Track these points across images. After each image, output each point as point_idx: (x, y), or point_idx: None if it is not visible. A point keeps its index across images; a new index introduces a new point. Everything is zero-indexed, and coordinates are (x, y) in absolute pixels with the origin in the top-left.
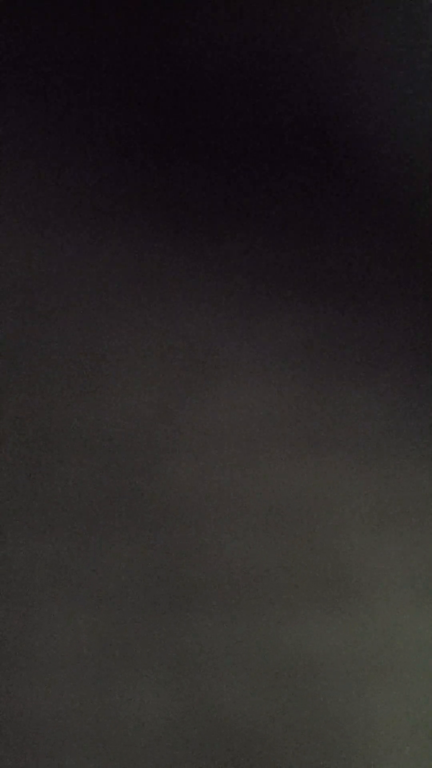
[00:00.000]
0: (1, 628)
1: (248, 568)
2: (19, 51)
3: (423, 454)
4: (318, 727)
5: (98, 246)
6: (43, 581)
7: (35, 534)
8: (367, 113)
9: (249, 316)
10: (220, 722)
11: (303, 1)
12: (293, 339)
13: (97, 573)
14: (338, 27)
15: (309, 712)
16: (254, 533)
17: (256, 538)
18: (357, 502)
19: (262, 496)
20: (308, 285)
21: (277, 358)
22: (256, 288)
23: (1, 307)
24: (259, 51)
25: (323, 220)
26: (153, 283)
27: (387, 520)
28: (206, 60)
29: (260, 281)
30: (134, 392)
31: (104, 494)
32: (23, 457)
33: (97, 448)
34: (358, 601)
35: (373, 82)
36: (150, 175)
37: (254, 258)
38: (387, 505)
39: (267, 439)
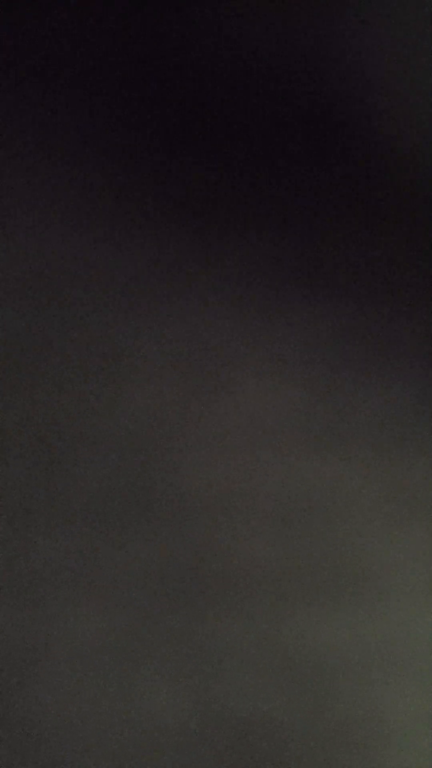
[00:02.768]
0: (13, 624)
1: (259, 564)
2: (19, 50)
3: None
4: (327, 723)
5: (106, 245)
6: (55, 577)
7: (47, 530)
8: (373, 107)
9: (260, 314)
10: (230, 717)
11: None
12: (303, 337)
13: (107, 569)
14: (339, 22)
15: (319, 708)
16: (266, 530)
17: (267, 534)
18: (367, 499)
19: (274, 493)
20: (318, 283)
21: (288, 357)
22: (267, 287)
23: (15, 306)
24: (260, 48)
25: (333, 219)
26: (162, 282)
27: (396, 518)
28: (208, 56)
29: (271, 280)
30: (146, 391)
31: (116, 491)
32: (36, 454)
33: (109, 445)
34: (369, 597)
35: (376, 75)
36: (158, 174)
37: (266, 257)
38: (396, 502)
39: (279, 437)
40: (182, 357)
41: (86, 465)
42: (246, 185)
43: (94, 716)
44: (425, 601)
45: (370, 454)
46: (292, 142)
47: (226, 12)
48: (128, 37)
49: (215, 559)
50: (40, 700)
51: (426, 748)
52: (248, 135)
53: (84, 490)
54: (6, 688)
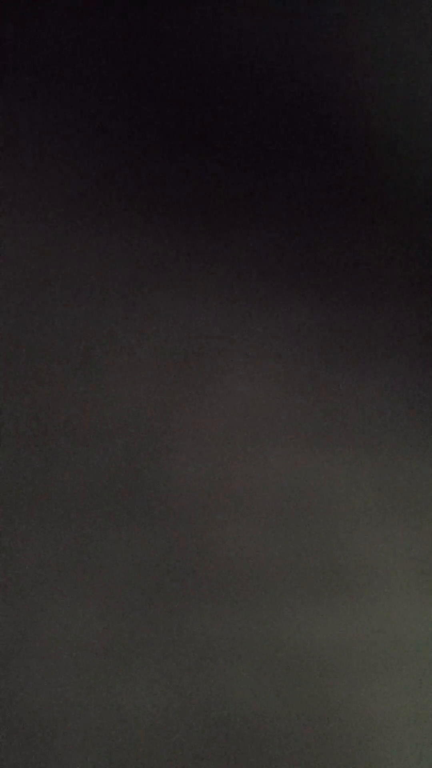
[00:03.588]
0: (3, 619)
1: (251, 560)
2: (19, 50)
3: (426, 446)
4: (320, 719)
5: (99, 239)
6: (46, 574)
7: (38, 527)
8: (370, 106)
9: (251, 308)
10: (223, 714)
11: None
12: (296, 331)
13: (99, 565)
14: (339, 21)
15: (311, 705)
16: (257, 525)
17: (258, 530)
18: (360, 494)
19: (265, 489)
20: (310, 278)
21: (280, 351)
22: (259, 280)
23: (2, 301)
24: (260, 48)
25: (324, 213)
26: (155, 276)
27: (389, 513)
28: (208, 55)
29: (262, 274)
30: (137, 385)
31: (106, 487)
32: (26, 450)
33: (99, 441)
34: (361, 593)
35: (376, 74)
36: (150, 168)
37: (256, 250)
38: (390, 497)
39: (270, 432)
40: (177, 351)
41: (78, 459)
42: (241, 181)
43: (86, 712)
44: (422, 598)
45: (365, 449)
46: (289, 138)
47: (226, 11)
48: (128, 35)
49: (209, 554)
50: (31, 692)
51: (423, 747)
52: (245, 131)
53: (76, 484)
54: None
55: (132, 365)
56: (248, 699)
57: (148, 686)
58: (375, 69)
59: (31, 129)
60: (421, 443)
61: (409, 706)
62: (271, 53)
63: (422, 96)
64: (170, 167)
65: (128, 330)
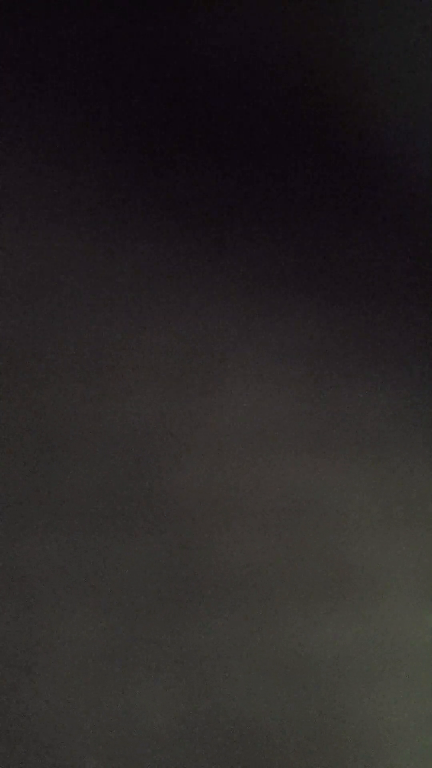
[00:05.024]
0: (6, 627)
1: (253, 567)
2: (18, 50)
3: (427, 454)
4: (323, 726)
5: (100, 245)
6: (48, 581)
7: (40, 534)
8: (372, 109)
9: (253, 316)
10: (226, 720)
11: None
12: (298, 340)
13: (102, 573)
14: (339, 21)
15: (314, 711)
16: (259, 533)
17: (261, 537)
18: (361, 502)
19: (267, 496)
20: (312, 285)
21: (282, 359)
22: (261, 288)
23: (3, 308)
24: (260, 48)
25: (326, 220)
26: (156, 283)
27: (391, 520)
28: (208, 56)
29: (264, 281)
30: (139, 393)
31: (108, 494)
32: (28, 457)
33: (101, 448)
34: (364, 600)
35: (376, 75)
36: (152, 173)
37: (258, 258)
38: (391, 504)
39: (272, 440)
40: (178, 359)
41: (81, 467)
42: (242, 185)
43: (89, 718)
44: (423, 603)
45: (367, 457)
46: (291, 140)
47: (226, 11)
48: (128, 35)
49: (212, 561)
50: (35, 701)
51: (425, 749)
52: (247, 134)
53: (79, 492)
54: (1, 689)
55: (133, 373)
56: (252, 705)
57: (151, 693)
58: (375, 69)
59: (31, 131)
60: (423, 450)
61: (411, 712)
62: (272, 55)
63: (422, 95)
64: (172, 172)
65: (129, 338)
